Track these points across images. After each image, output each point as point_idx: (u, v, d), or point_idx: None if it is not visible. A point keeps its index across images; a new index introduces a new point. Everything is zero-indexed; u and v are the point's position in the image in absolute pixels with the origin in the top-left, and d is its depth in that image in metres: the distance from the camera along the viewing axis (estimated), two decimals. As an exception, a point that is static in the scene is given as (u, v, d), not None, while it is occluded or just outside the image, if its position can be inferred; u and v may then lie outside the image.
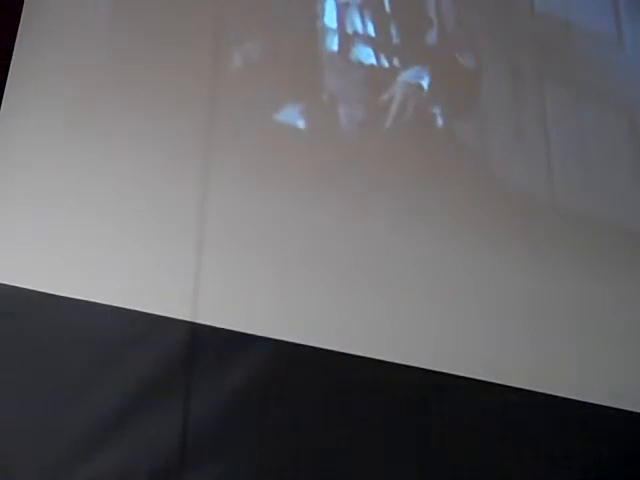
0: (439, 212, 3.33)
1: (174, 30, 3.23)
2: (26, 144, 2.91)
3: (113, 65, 3.13)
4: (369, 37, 3.53)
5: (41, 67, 2.99)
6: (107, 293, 2.81)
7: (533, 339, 3.23)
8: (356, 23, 3.52)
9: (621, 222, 3.62)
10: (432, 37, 3.67)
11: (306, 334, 2.96)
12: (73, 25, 3.11)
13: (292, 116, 3.33)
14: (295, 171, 3.20)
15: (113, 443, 2.69)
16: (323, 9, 3.51)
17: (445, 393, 3.07)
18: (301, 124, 3.35)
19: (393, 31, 3.56)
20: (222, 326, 2.88)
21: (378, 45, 3.53)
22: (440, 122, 3.52)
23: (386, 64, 3.51)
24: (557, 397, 3.16)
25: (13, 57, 2.95)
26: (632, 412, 3.23)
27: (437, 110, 3.53)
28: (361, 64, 3.48)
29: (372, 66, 3.49)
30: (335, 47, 3.47)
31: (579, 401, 3.17)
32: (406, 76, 3.53)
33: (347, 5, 3.54)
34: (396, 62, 3.53)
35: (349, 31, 3.50)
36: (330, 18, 3.50)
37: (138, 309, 2.81)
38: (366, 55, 3.49)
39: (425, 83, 3.55)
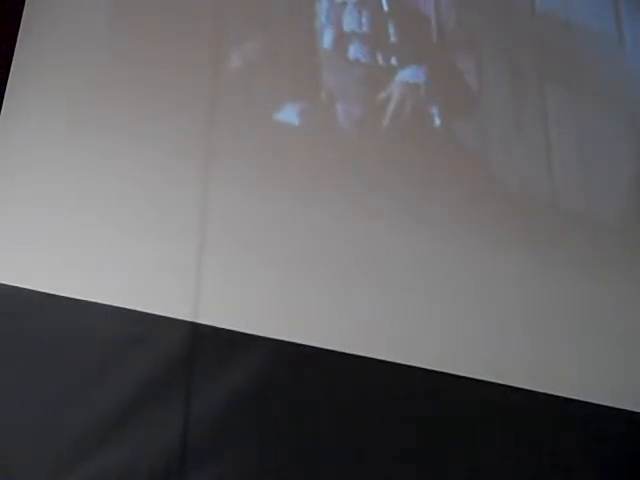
0: (439, 212, 3.33)
1: (174, 30, 3.23)
2: (26, 144, 2.91)
3: (113, 65, 3.13)
4: (368, 35, 3.53)
5: (42, 67, 3.00)
6: (107, 293, 2.81)
7: (533, 339, 3.23)
8: (354, 22, 3.52)
9: (621, 222, 3.62)
10: (431, 36, 3.67)
11: (306, 334, 2.96)
12: (73, 25, 3.12)
13: (292, 116, 3.33)
14: (295, 171, 3.20)
15: (113, 443, 2.69)
16: (322, 8, 3.51)
17: (445, 393, 3.07)
18: (301, 124, 3.34)
19: (392, 30, 3.56)
20: (222, 326, 2.88)
21: (376, 44, 3.53)
22: (440, 122, 3.52)
23: (385, 63, 3.51)
24: (557, 397, 3.16)
25: (14, 57, 2.95)
26: (633, 412, 3.23)
27: (435, 110, 3.53)
28: (361, 63, 3.48)
29: (371, 65, 3.49)
30: (335, 46, 3.47)
31: (580, 401, 3.18)
32: (404, 75, 3.53)
33: (345, 4, 3.54)
34: (394, 61, 3.53)
35: (347, 30, 3.50)
36: (329, 17, 3.50)
37: (138, 309, 2.82)
38: (365, 54, 3.49)
39: (424, 82, 3.55)
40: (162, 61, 3.17)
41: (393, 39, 3.55)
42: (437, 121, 3.51)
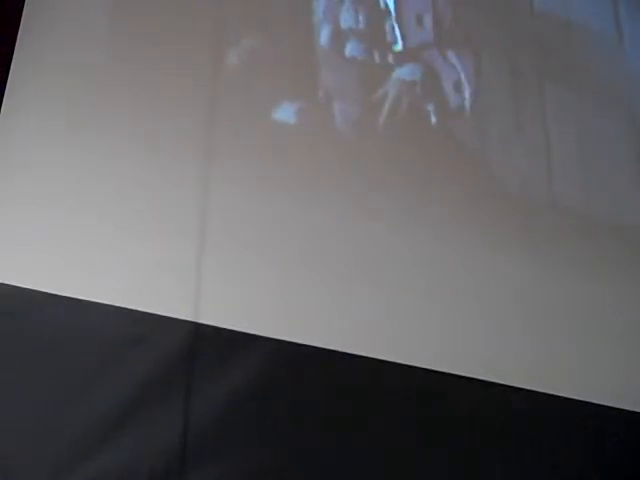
0: (439, 212, 3.33)
1: (174, 30, 3.23)
2: (26, 144, 2.91)
3: (113, 65, 3.13)
4: (364, 33, 3.53)
5: (41, 67, 2.99)
6: (108, 293, 2.81)
7: (533, 339, 3.23)
8: (350, 19, 3.52)
9: (621, 222, 3.62)
10: (429, 35, 3.67)
11: (307, 334, 2.96)
12: (73, 25, 3.11)
13: (292, 115, 3.33)
14: (295, 171, 3.20)
15: (113, 443, 2.68)
16: (319, 5, 3.51)
17: (445, 393, 3.07)
18: (301, 123, 3.35)
19: (388, 27, 3.56)
20: (223, 326, 2.88)
21: (373, 41, 3.53)
22: (436, 120, 3.52)
23: (382, 60, 3.51)
24: (558, 397, 3.16)
25: (14, 57, 2.95)
26: (633, 412, 3.23)
27: (431, 107, 3.53)
28: (357, 60, 3.48)
29: (368, 62, 3.49)
30: (332, 44, 3.47)
31: (580, 401, 3.18)
32: (401, 72, 3.53)
33: (342, 1, 3.54)
34: (391, 58, 3.53)
35: (344, 27, 3.50)
36: (326, 14, 3.50)
37: (139, 309, 2.81)
38: (362, 51, 3.49)
39: (421, 80, 3.55)
40: (162, 61, 3.17)
41: (390, 37, 3.56)
42: (433, 119, 3.51)
